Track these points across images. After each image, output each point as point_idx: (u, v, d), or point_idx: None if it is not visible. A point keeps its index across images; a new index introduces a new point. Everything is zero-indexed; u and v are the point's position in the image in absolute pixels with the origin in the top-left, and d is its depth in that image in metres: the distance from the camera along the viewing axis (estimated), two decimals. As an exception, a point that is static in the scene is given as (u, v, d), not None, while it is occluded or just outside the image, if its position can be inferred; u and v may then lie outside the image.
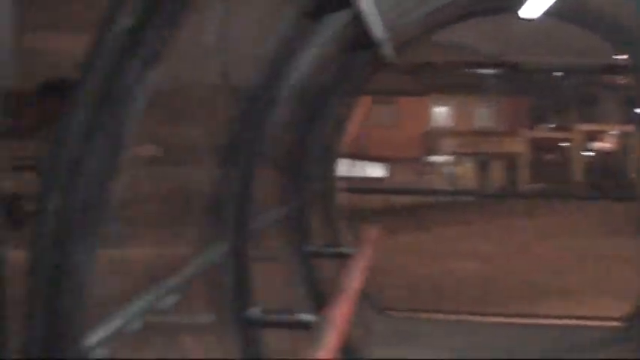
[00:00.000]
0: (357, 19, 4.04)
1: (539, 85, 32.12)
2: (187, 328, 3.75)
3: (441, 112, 33.95)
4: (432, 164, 31.78)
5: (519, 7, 6.55)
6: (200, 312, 3.77)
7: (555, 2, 5.77)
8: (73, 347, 1.97)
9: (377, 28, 4.69)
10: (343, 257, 5.36)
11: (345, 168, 8.30)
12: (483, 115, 34.72)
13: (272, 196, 5.13)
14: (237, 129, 3.63)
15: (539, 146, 33.38)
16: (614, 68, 11.27)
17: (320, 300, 5.30)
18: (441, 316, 8.35)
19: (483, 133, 33.31)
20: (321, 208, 6.67)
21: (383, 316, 7.20)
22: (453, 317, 8.30)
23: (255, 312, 3.63)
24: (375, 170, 28.24)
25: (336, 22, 3.82)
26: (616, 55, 8.54)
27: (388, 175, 29.15)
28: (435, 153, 32.02)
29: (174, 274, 3.04)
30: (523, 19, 7.58)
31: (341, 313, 3.95)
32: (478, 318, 8.27)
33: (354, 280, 4.57)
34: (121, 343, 2.47)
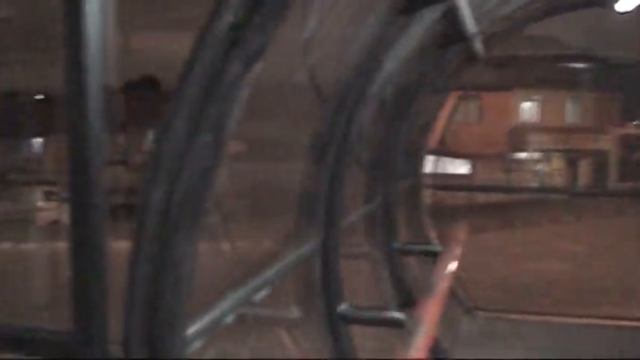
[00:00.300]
0: (450, 14, 3.98)
1: (629, 80, 30.97)
2: (276, 321, 3.78)
3: (527, 108, 33.13)
4: (519, 161, 31.07)
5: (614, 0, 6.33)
6: (289, 306, 3.79)
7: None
8: (173, 340, 2.02)
9: (469, 22, 4.62)
10: (431, 255, 5.31)
11: (429, 165, 8.23)
12: (572, 110, 33.68)
13: (359, 193, 5.12)
14: (327, 126, 3.63)
15: (629, 143, 32.19)
16: None
17: (407, 298, 5.27)
18: (528, 316, 8.18)
19: (572, 130, 32.33)
20: (407, 205, 6.62)
21: (470, 315, 7.09)
22: (541, 318, 8.12)
23: (345, 308, 3.63)
24: (460, 167, 27.86)
25: (427, 17, 3.77)
26: None
27: (473, 172, 28.70)
28: (522, 150, 31.30)
29: (265, 269, 3.07)
30: (615, 11, 7.31)
31: (431, 312, 3.90)
32: (567, 319, 8.07)
33: (443, 278, 4.52)
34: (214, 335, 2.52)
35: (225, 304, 2.54)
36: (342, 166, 3.64)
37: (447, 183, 7.61)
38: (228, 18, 1.85)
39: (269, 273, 3.04)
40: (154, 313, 1.97)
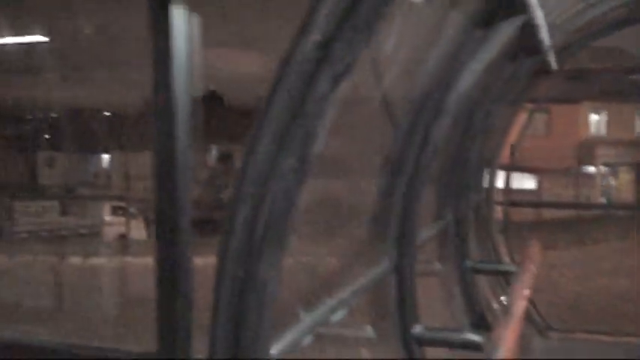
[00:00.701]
0: (527, 26, 3.89)
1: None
2: (350, 341, 3.73)
3: (595, 121, 32.30)
4: (587, 175, 30.28)
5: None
6: (362, 325, 3.73)
7: None
8: (258, 358, 1.99)
9: (544, 34, 4.51)
10: (504, 275, 5.16)
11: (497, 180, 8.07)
12: (641, 123, 32.71)
13: (430, 210, 5.02)
14: (402, 141, 3.57)
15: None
16: None
17: (480, 318, 5.14)
18: (602, 337, 7.92)
19: (641, 143, 31.39)
20: (477, 221, 6.48)
21: (543, 336, 6.89)
22: (615, 338, 7.85)
23: (420, 329, 3.55)
24: (526, 181, 27.32)
25: (504, 30, 3.68)
26: None
27: (539, 186, 28.10)
28: (590, 163, 30.50)
29: (342, 289, 3.02)
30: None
31: (509, 334, 3.78)
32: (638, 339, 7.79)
33: (520, 299, 4.38)
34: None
35: (305, 324, 2.51)
36: (418, 182, 3.57)
37: (515, 199, 7.43)
38: (315, 36, 1.82)
39: (345, 293, 2.99)
40: (238, 332, 1.95)
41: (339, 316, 2.88)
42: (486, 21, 3.44)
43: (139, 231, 21.33)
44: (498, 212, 7.39)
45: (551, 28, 4.73)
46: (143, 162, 26.44)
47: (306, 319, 2.54)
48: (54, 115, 28.06)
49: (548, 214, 21.68)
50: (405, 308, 3.57)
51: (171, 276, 1.90)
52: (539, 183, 27.91)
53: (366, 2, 1.84)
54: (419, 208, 3.64)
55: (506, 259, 6.90)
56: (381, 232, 3.63)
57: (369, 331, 3.62)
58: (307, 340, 2.53)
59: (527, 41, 4.29)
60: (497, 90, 5.22)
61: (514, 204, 7.23)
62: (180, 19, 1.91)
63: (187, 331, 1.92)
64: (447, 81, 3.54)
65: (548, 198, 25.79)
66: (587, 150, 30.56)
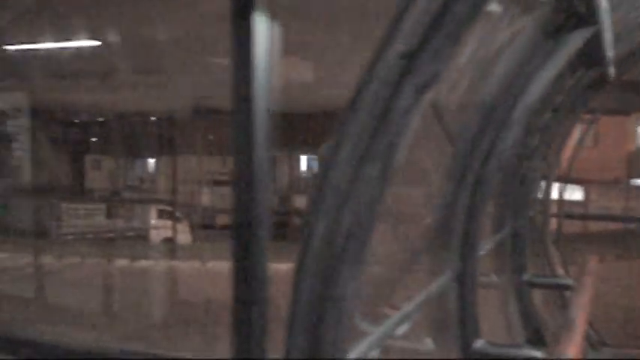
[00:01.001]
0: (595, 37, 3.80)
1: None
2: (410, 354, 3.67)
3: (646, 132, 31.61)
4: (636, 187, 29.63)
5: None
6: (423, 338, 3.68)
7: None
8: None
9: (609, 45, 4.41)
10: (562, 289, 5.05)
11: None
12: (693, 135, 31.90)
13: (488, 222, 4.94)
14: (466, 152, 3.51)
15: None
16: None
17: (537, 332, 5.03)
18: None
19: (693, 156, 30.58)
20: (532, 233, 6.37)
21: (596, 351, 6.73)
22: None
23: (481, 344, 3.48)
24: (573, 193, 26.84)
25: (572, 41, 3.60)
26: None
27: (587, 198, 27.57)
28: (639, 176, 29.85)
29: (406, 302, 2.98)
30: None
31: (570, 350, 3.69)
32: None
33: (580, 314, 4.28)
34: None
35: (372, 339, 2.47)
36: (482, 194, 3.51)
37: (568, 210, 7.29)
38: (399, 46, 1.79)
39: (409, 306, 2.95)
40: (314, 342, 1.92)
41: (404, 329, 2.84)
42: (556, 31, 3.37)
43: (184, 235, 21.51)
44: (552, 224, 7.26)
45: (616, 38, 4.63)
46: (189, 167, 26.66)
47: (375, 331, 2.50)
48: (101, 119, 28.50)
49: (594, 226, 21.26)
50: (467, 321, 3.51)
51: (247, 281, 1.88)
52: (587, 194, 27.40)
53: (453, 13, 1.81)
54: (482, 219, 3.58)
55: (560, 271, 6.77)
56: (444, 243, 3.58)
57: (429, 343, 3.56)
58: (375, 353, 2.49)
59: (592, 52, 4.20)
60: (557, 101, 5.13)
61: (570, 216, 7.08)
62: (262, 28, 1.90)
63: (263, 339, 1.91)
64: (515, 92, 3.48)
65: (595, 210, 25.28)
66: (635, 162, 29.91)
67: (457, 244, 3.55)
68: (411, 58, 1.79)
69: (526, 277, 5.13)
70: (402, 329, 2.84)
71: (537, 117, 4.95)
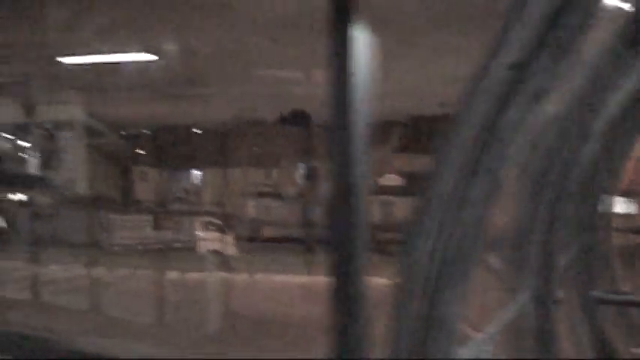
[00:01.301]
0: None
1: None
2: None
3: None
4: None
5: None
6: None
7: None
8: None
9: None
10: (633, 306, 4.88)
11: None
12: None
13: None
14: (544, 166, 3.40)
15: None
16: None
17: (606, 350, 4.87)
18: None
19: None
20: (597, 248, 6.17)
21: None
22: None
23: (562, 365, 3.35)
24: (626, 206, 26.22)
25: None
26: None
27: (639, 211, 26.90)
28: (693, 188, 29.04)
29: (488, 325, 2.88)
30: None
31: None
32: None
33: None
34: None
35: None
36: (560, 209, 3.39)
37: (632, 225, 7.08)
38: (508, 57, 1.72)
39: (492, 327, 2.85)
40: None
41: (487, 354, 2.74)
42: (635, 43, 3.25)
43: (230, 247, 21.57)
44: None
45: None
46: (234, 178, 26.79)
47: (463, 354, 2.41)
48: (148, 131, 28.85)
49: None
50: (546, 343, 3.38)
51: (347, 294, 1.83)
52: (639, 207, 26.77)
53: (564, 23, 1.73)
54: (560, 236, 3.46)
55: (624, 287, 6.56)
56: (520, 261, 3.46)
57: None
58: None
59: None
60: (629, 114, 4.97)
61: (637, 232, 6.86)
62: (360, 41, 1.85)
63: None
64: (594, 104, 3.36)
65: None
66: (689, 174, 29.24)
67: (534, 263, 3.44)
68: (520, 69, 1.71)
69: (596, 293, 4.97)
70: (487, 352, 2.75)
71: (616, 130, 4.80)
